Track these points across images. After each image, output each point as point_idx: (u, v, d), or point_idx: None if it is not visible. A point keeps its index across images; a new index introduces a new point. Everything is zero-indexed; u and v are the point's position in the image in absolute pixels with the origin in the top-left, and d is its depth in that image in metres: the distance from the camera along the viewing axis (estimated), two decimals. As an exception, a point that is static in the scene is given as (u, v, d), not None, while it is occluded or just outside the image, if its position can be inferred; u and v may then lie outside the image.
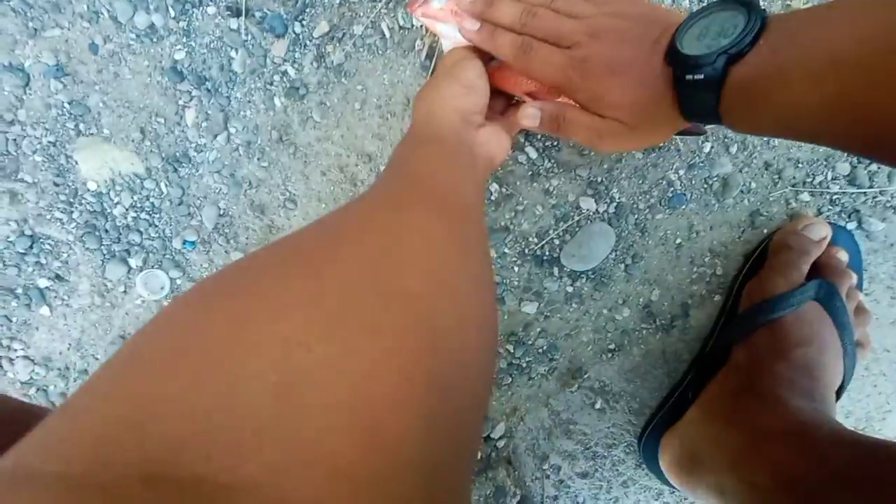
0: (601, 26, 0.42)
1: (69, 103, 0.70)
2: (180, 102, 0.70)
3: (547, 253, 0.68)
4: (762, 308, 0.59)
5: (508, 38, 0.46)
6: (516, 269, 0.69)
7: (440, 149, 0.43)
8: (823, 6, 0.33)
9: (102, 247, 0.75)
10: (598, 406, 0.75)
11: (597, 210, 0.66)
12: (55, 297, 0.77)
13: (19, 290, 0.76)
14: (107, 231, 0.74)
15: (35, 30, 0.68)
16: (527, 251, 0.68)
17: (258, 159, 0.69)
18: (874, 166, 0.63)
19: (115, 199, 0.73)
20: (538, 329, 0.71)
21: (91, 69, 0.70)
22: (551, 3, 0.46)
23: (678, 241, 0.66)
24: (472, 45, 0.51)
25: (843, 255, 0.60)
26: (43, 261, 0.76)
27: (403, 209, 0.32)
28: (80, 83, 0.70)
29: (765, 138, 0.62)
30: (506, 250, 0.70)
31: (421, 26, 0.65)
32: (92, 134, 0.71)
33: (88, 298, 0.77)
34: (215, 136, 0.69)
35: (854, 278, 0.60)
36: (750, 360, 0.59)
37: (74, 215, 0.74)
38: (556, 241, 0.67)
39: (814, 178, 0.65)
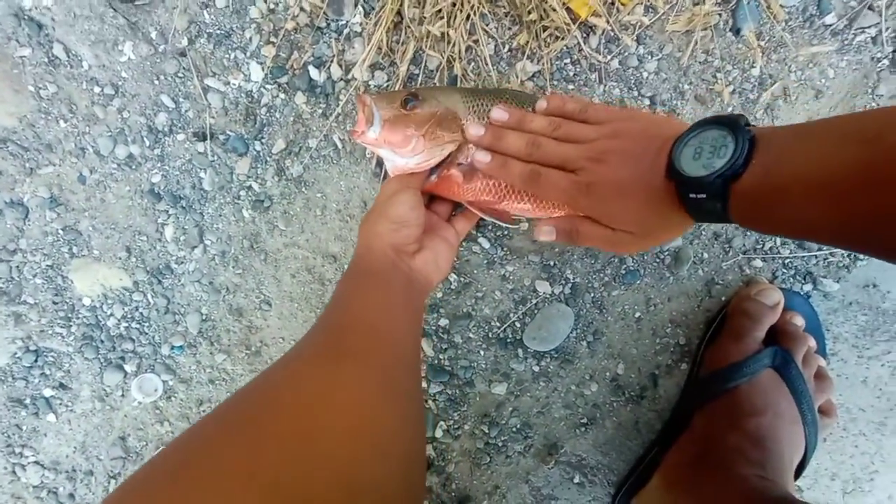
0: (602, 150, 0.40)
1: (63, 230, 0.70)
2: (159, 220, 0.69)
3: (510, 336, 0.61)
4: (718, 376, 0.52)
5: (518, 167, 0.44)
6: (482, 352, 0.61)
7: (376, 283, 0.43)
8: (804, 127, 0.33)
9: (99, 356, 0.73)
10: (576, 480, 0.67)
11: (552, 292, 0.59)
12: (60, 403, 0.75)
13: (27, 401, 0.74)
14: (102, 341, 0.73)
15: (31, 168, 0.69)
16: (490, 335, 0.61)
17: (233, 267, 0.64)
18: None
19: (108, 312, 0.72)
20: (510, 408, 0.63)
21: (80, 198, 0.70)
22: (553, 131, 0.44)
23: (637, 314, 0.59)
24: (408, 172, 0.49)
25: (799, 320, 0.53)
26: (47, 372, 0.74)
27: (337, 361, 0.34)
28: (71, 211, 0.70)
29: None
30: (470, 335, 0.61)
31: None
32: (84, 255, 0.71)
33: (90, 403, 0.75)
34: (193, 249, 0.64)
35: (812, 342, 0.53)
36: (706, 429, 0.53)
37: (73, 329, 0.73)
38: (518, 324, 0.60)
39: (763, 245, 0.59)
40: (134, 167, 0.64)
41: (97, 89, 0.62)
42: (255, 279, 0.65)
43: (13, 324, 0.69)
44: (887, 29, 0.50)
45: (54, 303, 0.69)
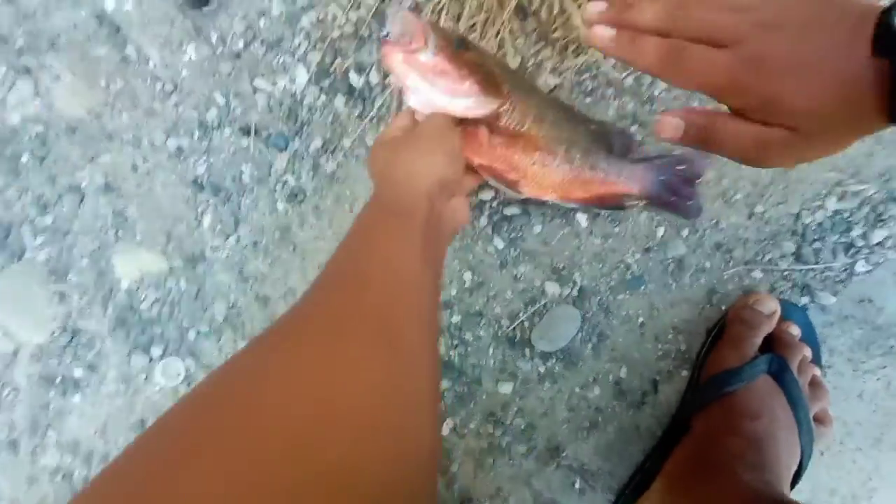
0: (776, 15, 0.29)
1: (113, 214, 0.75)
2: (199, 210, 0.72)
3: (518, 335, 0.62)
4: (716, 381, 0.52)
5: (653, 42, 0.32)
6: (491, 350, 0.62)
7: (408, 226, 0.36)
8: None
9: (130, 338, 0.76)
10: (577, 486, 0.68)
11: (561, 294, 0.60)
12: (86, 385, 0.77)
13: (58, 380, 0.77)
14: (134, 324, 0.76)
15: (92, 156, 0.74)
16: (500, 334, 0.62)
17: (263, 257, 0.66)
18: (818, 244, 0.61)
19: (143, 296, 0.75)
20: (515, 409, 0.63)
21: (131, 185, 0.74)
22: None
23: (641, 319, 0.60)
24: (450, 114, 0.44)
25: (795, 330, 0.54)
26: (80, 353, 0.76)
27: (343, 337, 0.27)
28: (121, 197, 0.74)
29: (713, 220, 0.61)
30: (481, 333, 0.63)
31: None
32: (128, 239, 0.76)
33: (114, 385, 0.76)
34: (227, 237, 0.67)
35: (807, 352, 0.53)
36: (705, 432, 0.52)
37: (109, 311, 0.76)
38: (526, 324, 0.61)
39: (763, 257, 0.59)
40: (182, 158, 0.69)
41: (158, 86, 0.68)
42: (282, 269, 0.68)
43: (57, 302, 0.72)
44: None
45: (96, 284, 0.72)
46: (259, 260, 0.68)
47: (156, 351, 0.71)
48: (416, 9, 0.59)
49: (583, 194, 0.53)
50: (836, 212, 0.56)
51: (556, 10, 0.53)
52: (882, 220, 0.56)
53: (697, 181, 0.54)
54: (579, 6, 0.54)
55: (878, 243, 0.56)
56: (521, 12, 0.47)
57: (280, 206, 0.67)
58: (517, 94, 0.47)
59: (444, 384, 0.63)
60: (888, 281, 0.56)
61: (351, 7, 0.63)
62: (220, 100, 0.67)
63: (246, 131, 0.66)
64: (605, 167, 0.52)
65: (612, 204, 0.54)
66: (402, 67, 0.43)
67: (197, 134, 0.67)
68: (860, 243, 0.56)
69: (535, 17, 0.55)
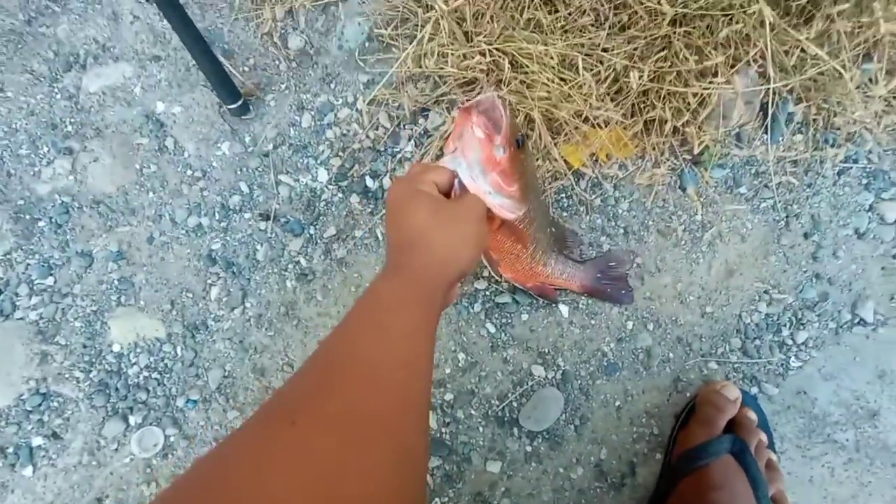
0: None
1: (119, 280, 0.74)
2: (209, 281, 0.75)
3: (507, 415, 0.64)
4: (687, 456, 0.56)
5: None
6: (481, 429, 0.64)
7: (429, 315, 0.35)
8: None
9: (108, 404, 0.71)
10: None
11: (546, 376, 0.64)
12: (43, 455, 0.69)
13: (10, 449, 0.69)
14: (117, 389, 0.72)
15: (110, 226, 0.77)
16: (489, 413, 0.64)
17: (266, 329, 0.68)
18: (758, 341, 0.70)
19: (133, 360, 0.72)
20: (503, 488, 0.63)
21: (144, 255, 0.76)
22: None
23: (617, 403, 0.64)
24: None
25: (753, 415, 0.59)
26: (46, 418, 0.70)
27: (352, 441, 0.24)
28: (132, 265, 0.76)
29: (673, 318, 0.69)
30: (472, 411, 0.65)
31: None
32: (130, 304, 0.74)
33: (77, 457, 0.69)
34: (232, 309, 0.69)
35: (763, 437, 0.58)
36: None
37: (92, 374, 0.72)
38: (515, 404, 0.64)
39: (716, 350, 0.70)
40: (199, 235, 0.73)
41: (189, 172, 0.74)
42: (283, 342, 0.70)
43: (37, 363, 0.69)
44: (779, 202, 0.68)
45: (84, 346, 0.70)
46: (262, 332, 0.69)
47: (135, 419, 0.67)
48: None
49: (533, 283, 0.61)
50: (768, 315, 0.66)
51: (540, 146, 0.65)
52: (802, 324, 0.66)
53: (627, 275, 0.65)
54: (556, 144, 0.68)
55: (803, 343, 0.65)
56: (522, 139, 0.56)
57: (289, 283, 0.70)
58: (533, 199, 0.53)
59: (434, 462, 0.63)
60: (815, 376, 0.65)
61: (370, 127, 0.73)
62: (245, 189, 0.73)
63: (265, 217, 0.72)
64: (554, 266, 0.61)
65: (551, 296, 0.64)
66: (474, 144, 0.43)
67: (218, 215, 0.72)
68: (790, 342, 0.66)
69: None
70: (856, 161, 0.70)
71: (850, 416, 0.64)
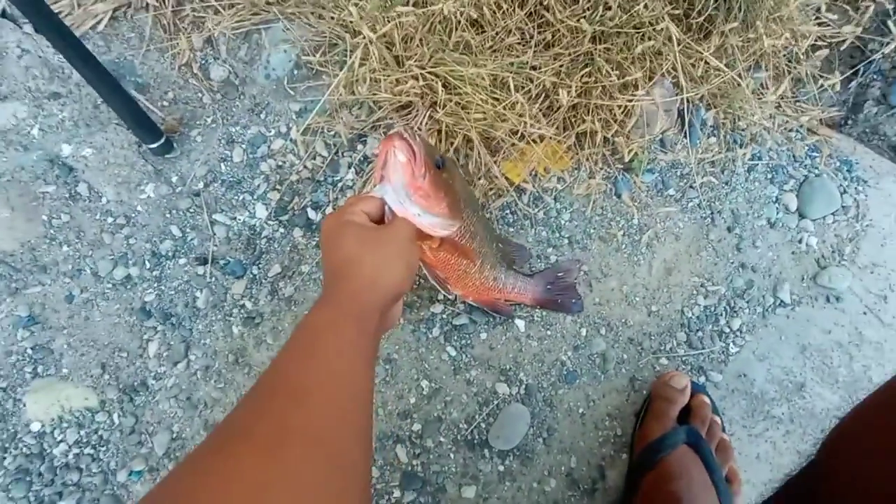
0: None
1: (32, 348, 0.65)
2: (145, 337, 0.66)
3: (476, 437, 0.62)
4: (644, 453, 0.58)
5: None
6: (452, 455, 0.62)
7: (362, 336, 0.35)
8: None
9: (31, 493, 0.61)
10: None
11: (510, 393, 0.63)
12: None
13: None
14: (41, 474, 0.62)
15: (16, 289, 0.67)
16: (459, 438, 0.62)
17: (215, 381, 0.62)
18: (700, 333, 0.73)
19: (59, 438, 0.63)
20: None
21: (63, 316, 0.67)
22: None
23: (581, 410, 0.64)
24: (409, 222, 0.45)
25: (706, 399, 0.61)
26: (-44, 521, 0.59)
27: (284, 457, 0.24)
28: (48, 329, 0.66)
29: (623, 320, 0.71)
30: (441, 439, 0.62)
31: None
32: (49, 375, 0.65)
33: None
34: (175, 364, 0.62)
35: (717, 419, 0.61)
36: (644, 500, 0.56)
37: (6, 461, 0.62)
38: (483, 425, 0.63)
39: (665, 346, 0.72)
40: (129, 287, 0.65)
41: (110, 220, 0.66)
42: (235, 393, 0.64)
43: (-65, 457, 0.58)
44: (703, 200, 0.72)
45: (-4, 430, 0.60)
46: (210, 384, 0.63)
47: (67, 506, 0.59)
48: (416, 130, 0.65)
49: (485, 299, 0.61)
50: (706, 307, 0.70)
51: (481, 165, 0.65)
52: (735, 312, 0.70)
53: (576, 283, 0.66)
54: (496, 162, 0.67)
55: (738, 329, 0.69)
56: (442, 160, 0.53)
57: (235, 329, 0.64)
58: (469, 214, 0.54)
59: (409, 496, 0.60)
60: (751, 358, 0.69)
61: (308, 157, 0.70)
62: (177, 232, 0.66)
63: (203, 260, 0.66)
64: (504, 280, 0.61)
65: (505, 311, 0.64)
66: (396, 171, 0.45)
67: (149, 263, 0.65)
68: (727, 330, 0.69)
69: (464, 170, 0.66)
70: (760, 158, 0.76)
71: (782, 391, 0.68)
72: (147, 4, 0.71)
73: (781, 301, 0.71)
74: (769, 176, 0.76)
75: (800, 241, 0.74)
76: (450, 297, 0.62)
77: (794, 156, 0.77)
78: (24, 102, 0.67)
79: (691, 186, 0.72)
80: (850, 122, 0.94)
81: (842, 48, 0.80)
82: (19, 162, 0.65)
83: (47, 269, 0.64)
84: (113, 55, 0.71)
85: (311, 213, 0.68)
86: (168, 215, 0.67)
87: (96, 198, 0.66)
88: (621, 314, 0.68)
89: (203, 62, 0.72)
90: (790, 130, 0.78)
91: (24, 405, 0.61)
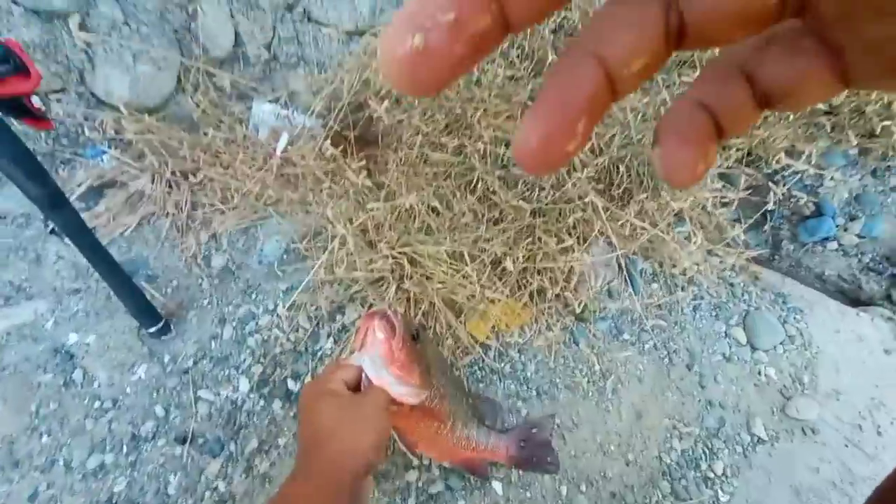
0: None
1: None
2: None
3: None
4: None
5: None
6: None
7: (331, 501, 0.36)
8: None
9: None
10: None
11: None
12: None
13: None
14: None
15: (-17, 488, 0.63)
16: None
17: None
18: (684, 481, 0.68)
19: None
20: None
21: (24, 516, 0.62)
22: None
23: None
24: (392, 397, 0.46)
25: None
26: None
27: None
28: (6, 533, 0.60)
29: (601, 472, 0.66)
30: None
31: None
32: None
33: None
34: None
35: None
36: None
37: None
38: None
39: (650, 499, 0.64)
40: (100, 477, 0.62)
41: (97, 404, 0.66)
42: None
43: None
44: (658, 342, 0.74)
45: None
46: (167, 591, 0.55)
47: None
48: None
49: (460, 458, 0.58)
50: (683, 451, 0.66)
51: (446, 327, 0.69)
52: (715, 454, 0.66)
53: (550, 438, 0.64)
54: (460, 322, 0.71)
55: (723, 473, 0.65)
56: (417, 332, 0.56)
57: (204, 516, 0.59)
58: (440, 380, 0.54)
59: None
60: (745, 505, 0.63)
61: (291, 331, 0.73)
62: (160, 412, 0.66)
63: (181, 440, 0.64)
64: (476, 437, 0.59)
65: (481, 472, 0.60)
66: (375, 344, 0.47)
67: (126, 448, 0.63)
68: (711, 475, 0.65)
69: (431, 331, 0.70)
70: (702, 298, 0.80)
71: (789, 543, 0.61)
72: (168, 213, 0.83)
73: (759, 438, 0.69)
74: (714, 313, 0.80)
75: (759, 373, 0.74)
76: (418, 459, 0.59)
77: (731, 293, 0.82)
78: (48, 299, 0.73)
79: (644, 330, 0.75)
80: (776, 258, 1.02)
81: (747, 202, 0.91)
82: (26, 354, 0.68)
83: (20, 464, 0.61)
84: (132, 254, 0.80)
85: (291, 384, 0.69)
86: (155, 395, 0.67)
87: (89, 383, 0.67)
88: (599, 466, 0.64)
89: (206, 253, 0.80)
90: (723, 270, 0.84)
91: None
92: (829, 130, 0.96)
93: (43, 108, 0.57)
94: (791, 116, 0.93)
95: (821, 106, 0.91)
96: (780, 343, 0.78)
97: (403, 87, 0.09)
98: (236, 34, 0.91)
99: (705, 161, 0.11)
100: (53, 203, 0.56)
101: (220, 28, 0.89)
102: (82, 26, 0.79)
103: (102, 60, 0.81)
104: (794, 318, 0.81)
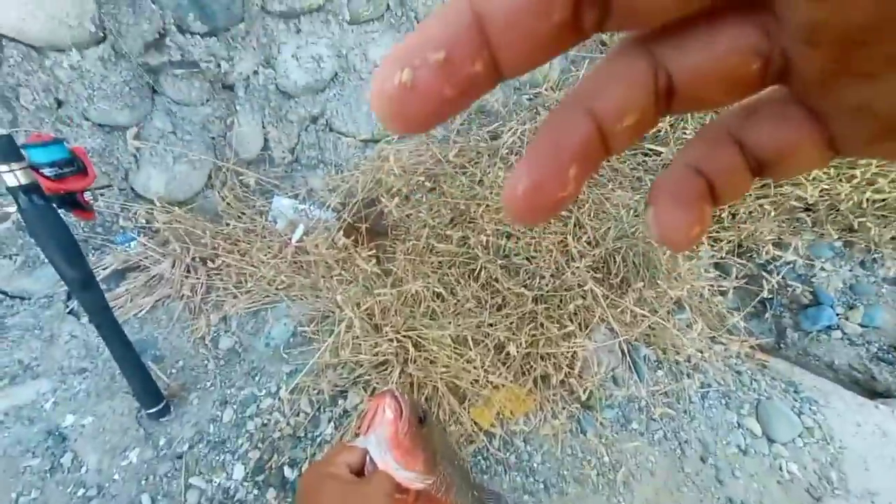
0: None
1: None
2: None
3: None
4: None
5: None
6: None
7: None
8: None
9: None
10: None
11: None
12: None
13: None
14: None
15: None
16: None
17: None
18: None
19: None
20: None
21: None
22: None
23: None
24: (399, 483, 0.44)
25: None
26: None
27: None
28: None
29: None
30: None
31: None
32: None
33: None
34: None
35: None
36: None
37: None
38: None
39: None
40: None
41: (80, 491, 0.64)
42: None
43: None
44: (667, 431, 0.72)
45: None
46: None
47: None
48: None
49: None
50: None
51: (449, 412, 0.68)
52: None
53: None
54: (464, 408, 0.70)
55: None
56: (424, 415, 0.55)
57: None
58: (446, 469, 0.52)
59: None
60: None
61: (292, 414, 0.73)
62: (147, 501, 0.63)
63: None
64: None
65: None
66: (381, 427, 0.46)
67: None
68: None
69: (434, 416, 0.69)
70: (709, 385, 0.79)
71: None
72: (183, 295, 0.87)
73: (791, 545, 0.63)
74: (723, 402, 0.78)
75: (780, 469, 0.70)
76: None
77: (739, 381, 0.81)
78: (52, 379, 0.74)
79: (652, 419, 0.73)
80: (781, 346, 1.02)
81: (745, 291, 0.94)
82: (18, 436, 0.67)
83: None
84: (143, 334, 0.82)
85: (288, 472, 0.66)
86: (143, 482, 0.64)
87: (76, 468, 0.65)
88: (617, 575, 0.59)
89: (215, 335, 0.82)
90: (728, 357, 0.84)
91: None
92: (811, 225, 1.03)
93: (91, 202, 0.65)
94: (773, 212, 1.00)
95: (796, 203, 0.98)
96: (799, 436, 0.75)
97: (389, 122, 0.09)
98: (265, 140, 1.04)
99: (701, 223, 0.11)
100: (84, 285, 0.60)
101: (252, 135, 1.02)
102: (137, 136, 0.91)
103: (146, 161, 0.92)
104: (810, 408, 0.79)
